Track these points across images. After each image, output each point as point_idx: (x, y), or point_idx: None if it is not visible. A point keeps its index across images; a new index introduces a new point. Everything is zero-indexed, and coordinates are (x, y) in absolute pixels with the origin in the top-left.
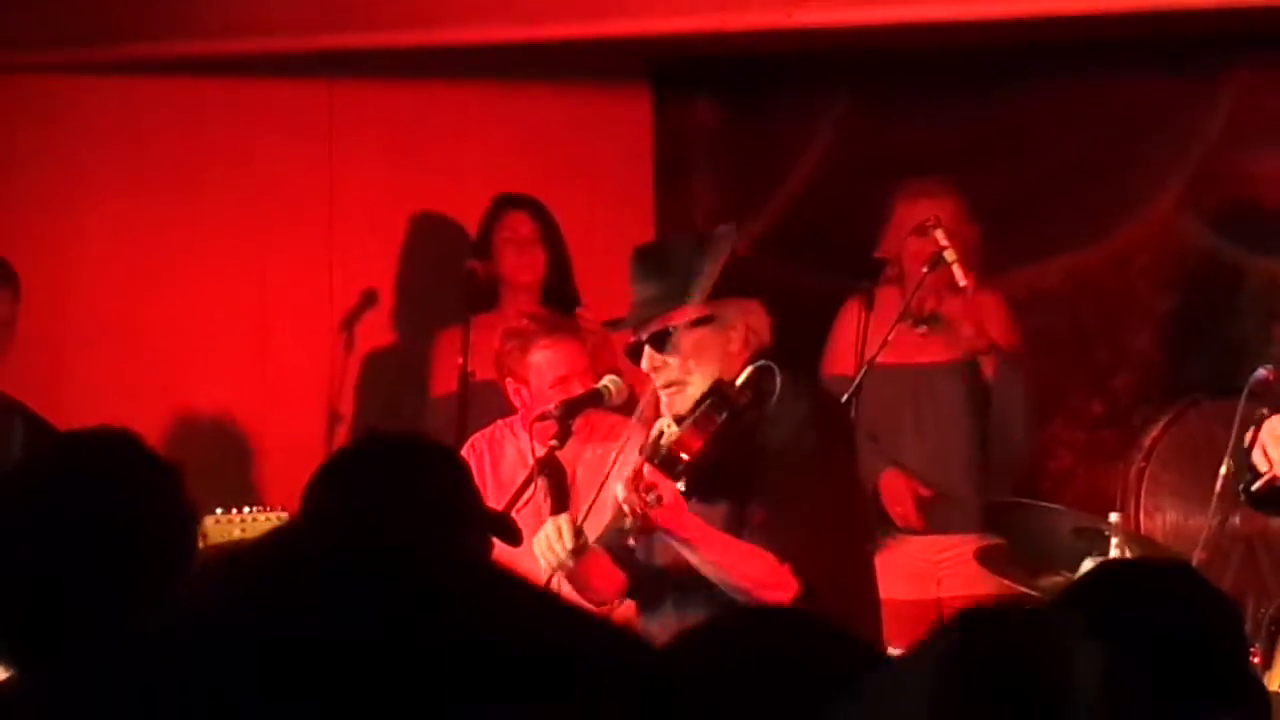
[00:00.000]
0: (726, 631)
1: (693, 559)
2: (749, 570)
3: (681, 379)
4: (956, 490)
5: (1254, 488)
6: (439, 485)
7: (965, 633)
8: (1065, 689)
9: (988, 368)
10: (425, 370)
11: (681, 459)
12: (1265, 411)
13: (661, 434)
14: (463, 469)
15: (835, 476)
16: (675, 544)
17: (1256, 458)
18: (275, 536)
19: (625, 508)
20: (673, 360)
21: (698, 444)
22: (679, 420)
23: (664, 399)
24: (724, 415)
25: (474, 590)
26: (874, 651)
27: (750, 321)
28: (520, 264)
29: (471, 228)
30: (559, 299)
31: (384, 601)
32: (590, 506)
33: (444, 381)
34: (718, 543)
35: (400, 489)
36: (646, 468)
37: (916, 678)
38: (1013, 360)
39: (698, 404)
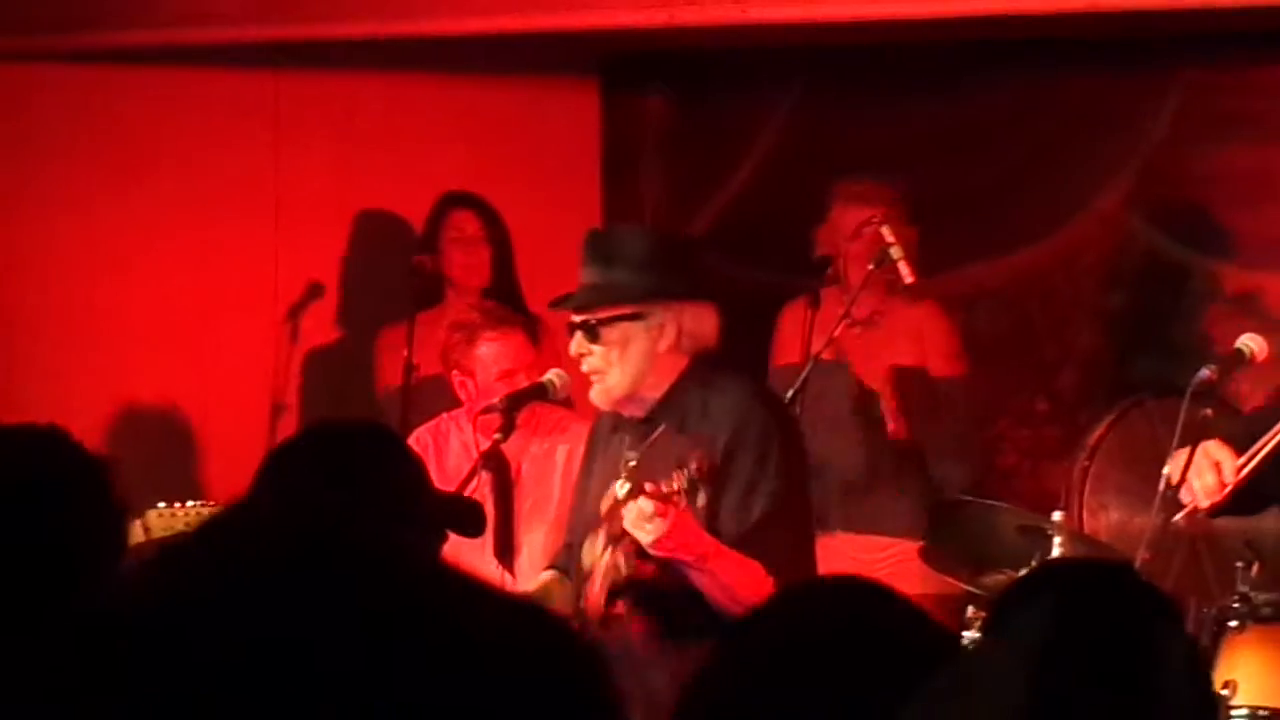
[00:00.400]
0: (806, 600)
1: (697, 580)
2: (747, 586)
3: (602, 369)
4: (895, 489)
5: (1176, 518)
6: (385, 474)
7: (1059, 606)
8: (1160, 668)
9: (934, 370)
10: (370, 365)
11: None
12: (1209, 413)
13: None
14: (412, 459)
15: (795, 478)
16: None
17: (1184, 491)
18: (209, 526)
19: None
20: (596, 349)
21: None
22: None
23: (593, 387)
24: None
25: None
26: (945, 627)
27: (686, 324)
28: (467, 263)
29: (417, 222)
30: (503, 295)
31: (317, 591)
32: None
33: (389, 376)
34: (723, 559)
35: (345, 477)
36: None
37: (1012, 654)
38: (949, 383)
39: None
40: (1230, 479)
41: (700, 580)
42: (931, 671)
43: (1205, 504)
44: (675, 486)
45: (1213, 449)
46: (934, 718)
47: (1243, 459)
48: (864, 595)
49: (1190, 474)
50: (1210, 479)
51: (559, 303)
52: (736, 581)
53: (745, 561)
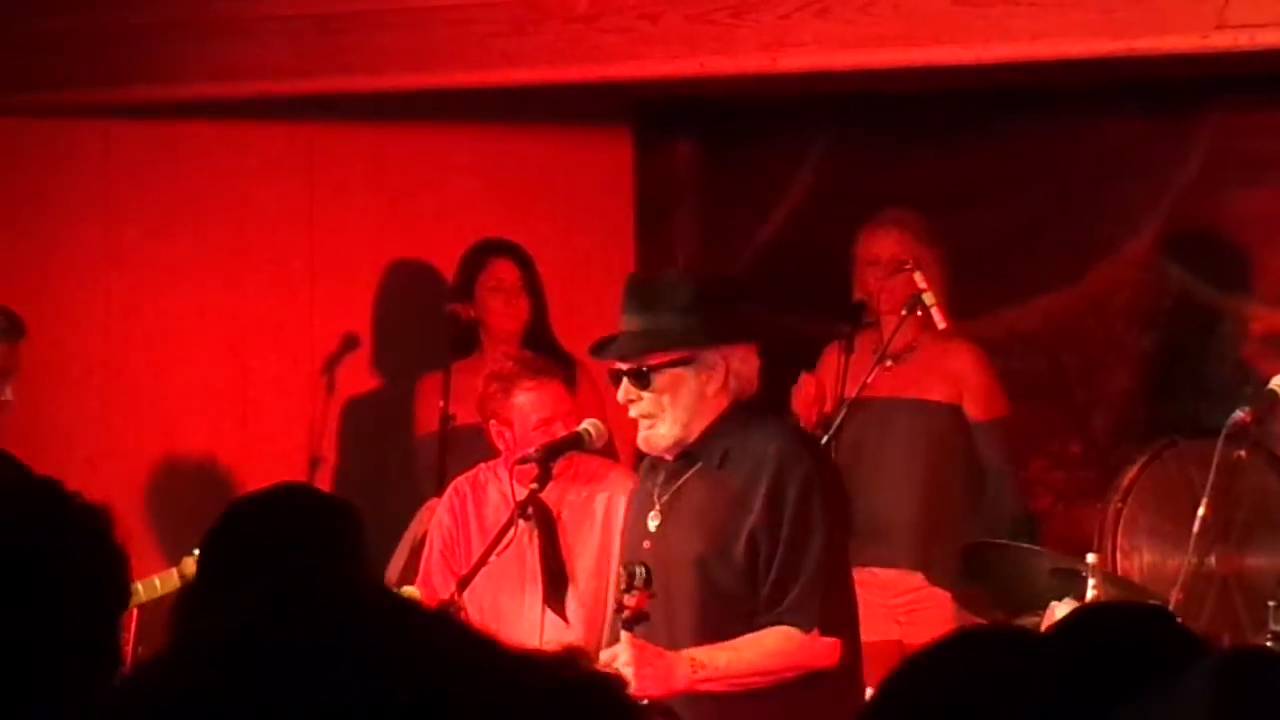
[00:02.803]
0: (958, 653)
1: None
2: (784, 661)
3: (654, 413)
4: (916, 525)
5: None
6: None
7: (1233, 668)
8: None
9: (971, 414)
10: (408, 413)
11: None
12: (1243, 454)
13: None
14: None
15: (839, 523)
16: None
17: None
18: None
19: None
20: (647, 395)
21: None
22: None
23: (641, 431)
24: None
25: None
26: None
27: (734, 366)
28: (506, 312)
29: (450, 271)
30: (539, 343)
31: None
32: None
33: (427, 423)
34: (738, 669)
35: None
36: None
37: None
38: (996, 426)
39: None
40: None
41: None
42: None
43: None
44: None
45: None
46: None
47: None
48: (1012, 646)
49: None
50: None
51: (603, 350)
52: (767, 671)
53: (768, 645)
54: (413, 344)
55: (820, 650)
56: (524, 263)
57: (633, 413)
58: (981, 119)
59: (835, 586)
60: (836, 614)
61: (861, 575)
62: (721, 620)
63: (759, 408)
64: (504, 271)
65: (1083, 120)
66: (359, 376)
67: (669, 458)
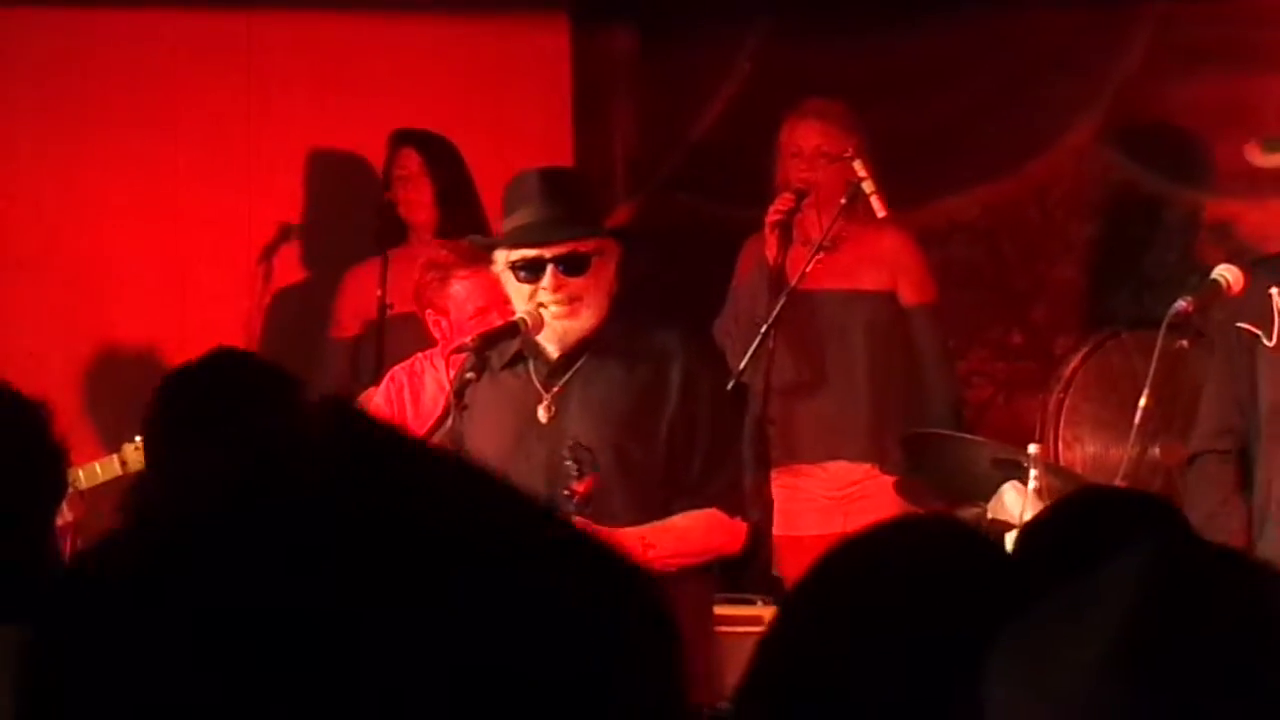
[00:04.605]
0: (884, 541)
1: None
2: (712, 543)
3: (581, 299)
4: (861, 417)
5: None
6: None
7: (1164, 551)
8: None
9: (904, 298)
10: (329, 311)
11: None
12: (1185, 344)
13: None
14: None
15: (732, 411)
16: None
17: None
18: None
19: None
20: (577, 282)
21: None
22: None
23: (551, 319)
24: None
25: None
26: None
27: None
28: (411, 199)
29: (380, 162)
30: (461, 233)
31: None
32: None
33: (351, 316)
34: (679, 549)
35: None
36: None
37: (1111, 595)
38: (928, 311)
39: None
40: None
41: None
42: (1013, 608)
43: None
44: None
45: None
46: (1035, 649)
47: None
48: (937, 534)
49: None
50: None
51: (532, 236)
52: (697, 549)
53: (700, 522)
54: (344, 234)
55: (738, 534)
56: (429, 150)
57: (554, 302)
58: (922, 8)
59: (742, 473)
60: (746, 501)
61: (810, 469)
62: (640, 505)
63: (637, 306)
64: (406, 159)
65: (1025, 9)
66: (293, 267)
67: (555, 352)
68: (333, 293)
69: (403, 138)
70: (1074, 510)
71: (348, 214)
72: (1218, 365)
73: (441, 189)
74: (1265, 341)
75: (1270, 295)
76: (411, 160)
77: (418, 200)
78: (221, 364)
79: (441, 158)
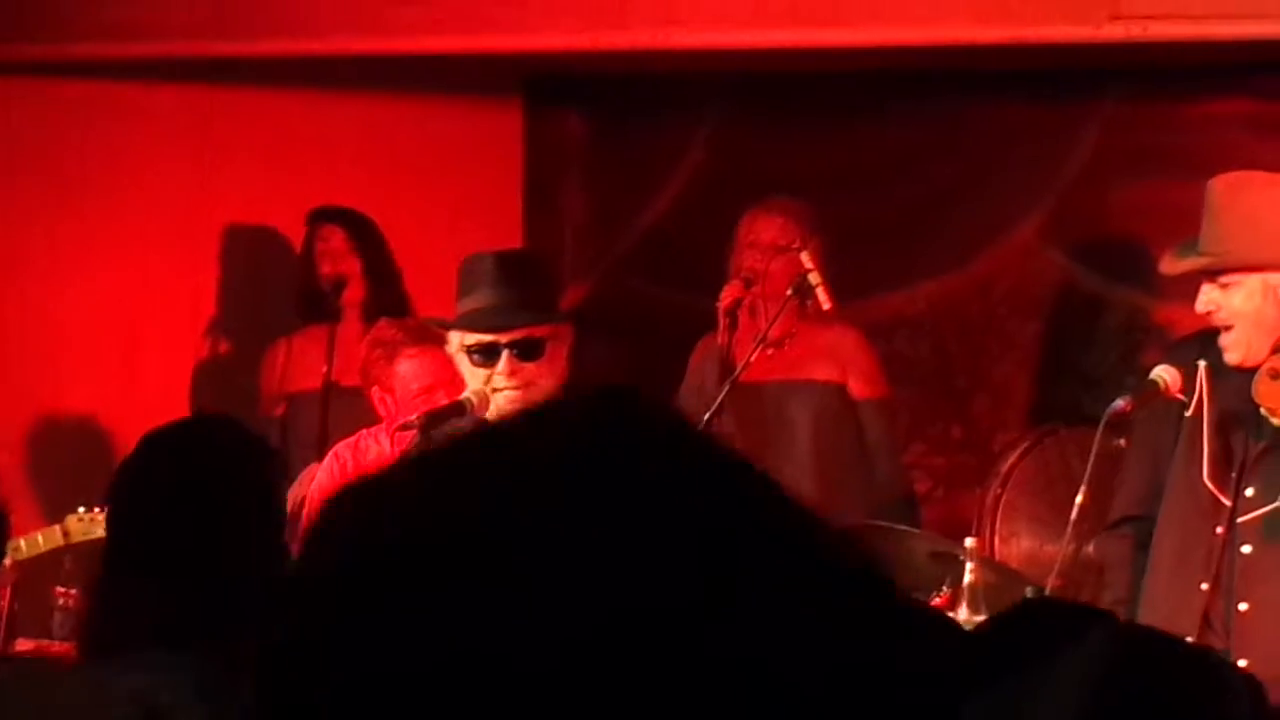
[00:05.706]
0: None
1: None
2: None
3: (534, 384)
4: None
5: None
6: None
7: (1117, 644)
8: None
9: (854, 392)
10: (286, 378)
11: None
12: (1122, 443)
13: None
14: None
15: None
16: None
17: None
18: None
19: None
20: (531, 367)
21: None
22: None
23: (502, 402)
24: None
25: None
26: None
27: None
28: (338, 275)
29: None
30: (386, 311)
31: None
32: None
33: (271, 403)
34: None
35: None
36: None
37: (1064, 685)
38: (878, 405)
39: None
40: None
41: None
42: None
43: None
44: None
45: None
46: None
47: None
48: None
49: None
50: None
51: (490, 320)
52: None
53: None
54: (278, 310)
55: None
56: (355, 228)
57: (508, 387)
58: (872, 102)
59: None
60: None
61: None
62: None
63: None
64: (329, 235)
65: (973, 106)
66: (241, 339)
67: None
68: (256, 370)
69: (323, 215)
70: (1014, 618)
71: (288, 289)
72: (1138, 433)
73: (369, 265)
74: (1185, 413)
75: (1197, 366)
76: (336, 236)
77: (348, 274)
78: (206, 426)
79: (370, 236)
